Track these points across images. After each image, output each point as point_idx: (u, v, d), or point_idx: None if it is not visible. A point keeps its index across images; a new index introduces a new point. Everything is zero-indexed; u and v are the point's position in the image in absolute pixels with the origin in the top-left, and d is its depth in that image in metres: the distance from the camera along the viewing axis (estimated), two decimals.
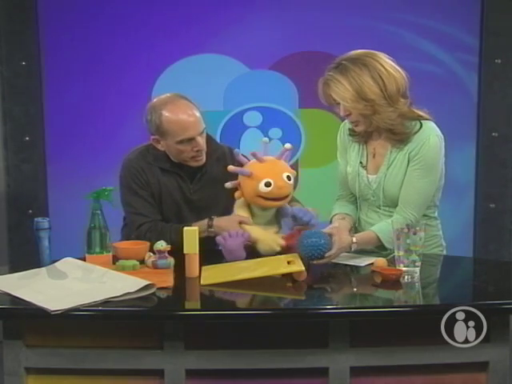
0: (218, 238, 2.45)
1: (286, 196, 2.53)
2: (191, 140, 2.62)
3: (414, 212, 2.49)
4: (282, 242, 2.46)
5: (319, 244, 2.31)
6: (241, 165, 2.58)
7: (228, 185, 2.55)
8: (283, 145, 2.59)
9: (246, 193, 2.55)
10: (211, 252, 2.43)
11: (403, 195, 2.51)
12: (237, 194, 2.58)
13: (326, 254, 2.33)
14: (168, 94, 2.71)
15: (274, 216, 2.58)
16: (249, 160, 2.59)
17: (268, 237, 2.49)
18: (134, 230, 2.67)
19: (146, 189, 2.70)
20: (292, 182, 2.54)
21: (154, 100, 2.72)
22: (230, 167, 2.55)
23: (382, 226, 2.50)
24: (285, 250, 2.43)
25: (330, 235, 2.37)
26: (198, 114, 2.64)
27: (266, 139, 2.64)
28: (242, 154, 2.61)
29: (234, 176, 2.57)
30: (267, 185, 2.49)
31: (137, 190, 2.70)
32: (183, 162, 2.70)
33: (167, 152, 2.70)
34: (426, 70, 3.66)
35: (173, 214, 2.73)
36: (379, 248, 2.52)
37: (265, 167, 2.52)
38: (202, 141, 2.65)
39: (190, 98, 2.69)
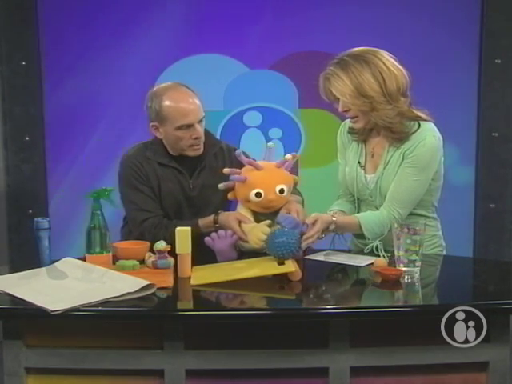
0: (207, 239, 2.43)
1: (277, 210, 2.50)
2: (190, 127, 2.63)
3: (399, 209, 2.48)
4: (268, 230, 2.40)
5: (287, 243, 2.25)
6: (241, 166, 2.56)
7: (221, 186, 2.54)
8: (283, 146, 2.56)
9: (239, 196, 2.54)
10: (204, 252, 2.41)
11: (392, 191, 2.50)
12: (230, 195, 2.57)
13: (308, 234, 2.31)
14: (169, 82, 2.73)
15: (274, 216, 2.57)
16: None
17: (255, 228, 2.44)
18: (137, 227, 2.66)
19: (146, 184, 2.69)
20: (285, 194, 2.50)
21: (155, 88, 2.73)
22: (226, 170, 2.53)
23: (365, 215, 2.52)
24: None
25: (307, 224, 2.35)
26: (198, 102, 2.66)
27: (272, 144, 2.62)
28: (243, 153, 2.57)
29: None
30: (257, 195, 2.47)
31: (137, 185, 2.69)
32: (181, 151, 2.69)
33: (165, 141, 2.71)
34: (425, 69, 3.66)
35: (172, 211, 2.72)
36: (359, 237, 2.54)
37: (259, 176, 2.49)
38: (200, 129, 2.66)
39: (190, 87, 2.70)
